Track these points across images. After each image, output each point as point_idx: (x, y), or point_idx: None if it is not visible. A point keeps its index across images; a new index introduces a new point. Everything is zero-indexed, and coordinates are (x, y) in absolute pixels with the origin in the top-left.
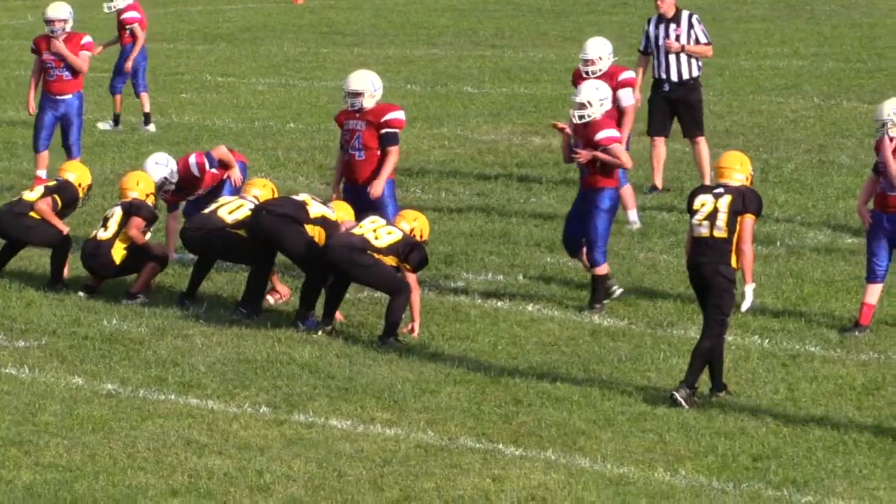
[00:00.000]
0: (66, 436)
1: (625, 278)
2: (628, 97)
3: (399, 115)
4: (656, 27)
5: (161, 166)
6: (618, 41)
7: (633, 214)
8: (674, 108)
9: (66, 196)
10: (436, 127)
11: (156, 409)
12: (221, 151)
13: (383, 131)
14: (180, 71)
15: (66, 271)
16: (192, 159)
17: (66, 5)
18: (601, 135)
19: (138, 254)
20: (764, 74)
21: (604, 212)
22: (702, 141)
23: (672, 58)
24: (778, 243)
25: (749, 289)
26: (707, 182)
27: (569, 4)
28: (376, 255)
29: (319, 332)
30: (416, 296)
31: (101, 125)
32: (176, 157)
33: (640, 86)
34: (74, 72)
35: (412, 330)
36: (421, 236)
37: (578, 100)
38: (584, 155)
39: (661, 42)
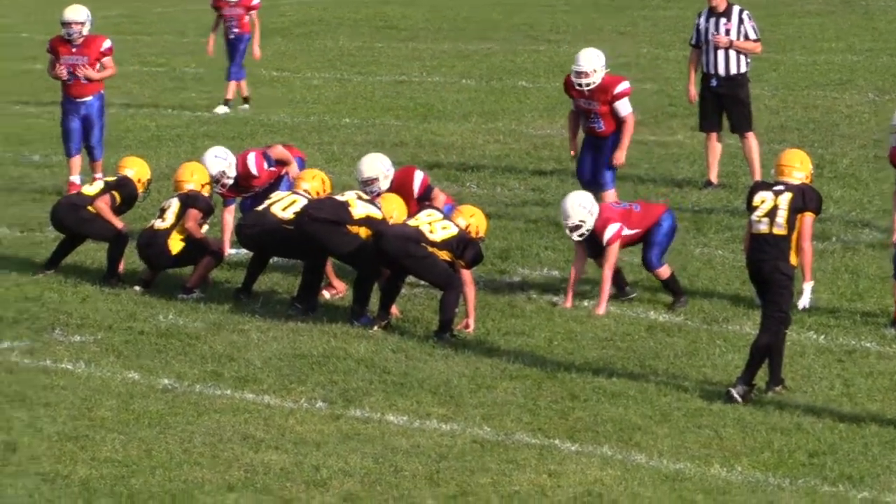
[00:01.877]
0: (122, 431)
1: (681, 273)
2: (626, 107)
3: (419, 177)
4: (706, 20)
5: (220, 160)
6: (672, 35)
7: None
8: (722, 103)
9: (125, 193)
10: (491, 122)
11: (212, 404)
12: (278, 151)
13: (418, 197)
14: None
15: (121, 266)
16: (251, 158)
17: (84, 8)
18: (607, 235)
19: (194, 247)
20: (818, 69)
21: (663, 227)
22: (751, 136)
23: (720, 53)
24: (833, 239)
25: (808, 286)
26: (758, 177)
27: None
28: (430, 249)
29: (375, 328)
30: (471, 291)
31: (240, 108)
32: (233, 152)
33: (695, 80)
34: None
35: (467, 326)
36: (477, 233)
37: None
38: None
39: (710, 36)
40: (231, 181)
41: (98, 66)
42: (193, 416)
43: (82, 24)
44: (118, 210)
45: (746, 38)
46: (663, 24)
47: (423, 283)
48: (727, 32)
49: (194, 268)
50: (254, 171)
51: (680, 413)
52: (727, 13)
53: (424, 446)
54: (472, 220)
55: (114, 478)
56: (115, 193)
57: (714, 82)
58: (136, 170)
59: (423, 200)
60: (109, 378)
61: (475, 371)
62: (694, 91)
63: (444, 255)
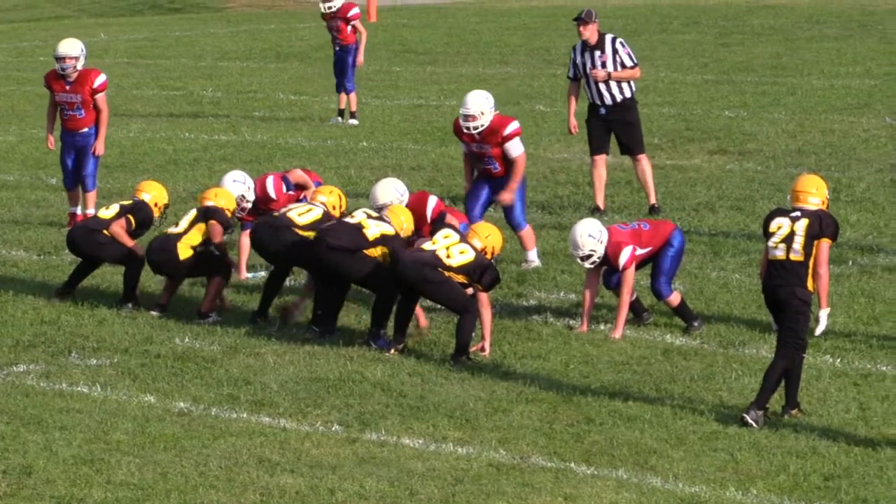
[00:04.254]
0: (137, 454)
1: (697, 297)
2: (516, 148)
3: (433, 202)
4: (582, 55)
5: (238, 184)
6: (690, 60)
7: (531, 255)
8: (611, 127)
9: (140, 216)
10: None
11: (228, 428)
12: (297, 175)
13: (431, 222)
14: (253, 89)
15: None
16: (270, 182)
17: (78, 42)
18: (622, 260)
19: (203, 257)
20: (836, 94)
21: (672, 249)
22: (643, 158)
23: (602, 84)
24: (850, 262)
25: (823, 313)
26: (653, 199)
27: (641, 23)
28: (447, 273)
29: (391, 351)
30: (487, 314)
31: (346, 121)
32: (250, 176)
33: (575, 112)
34: (88, 109)
35: (483, 349)
36: (493, 252)
37: (583, 252)
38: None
39: (588, 70)
40: (250, 205)
41: (92, 105)
42: (209, 440)
43: (76, 58)
44: (134, 233)
45: (623, 66)
46: (681, 49)
47: (439, 306)
48: (603, 65)
49: (206, 291)
50: (272, 194)
51: (696, 436)
52: (600, 45)
53: (440, 470)
54: (488, 239)
55: (129, 501)
56: (131, 217)
57: (603, 111)
58: (153, 194)
59: (436, 224)
60: (125, 401)
61: (491, 394)
62: (574, 122)
63: (461, 279)
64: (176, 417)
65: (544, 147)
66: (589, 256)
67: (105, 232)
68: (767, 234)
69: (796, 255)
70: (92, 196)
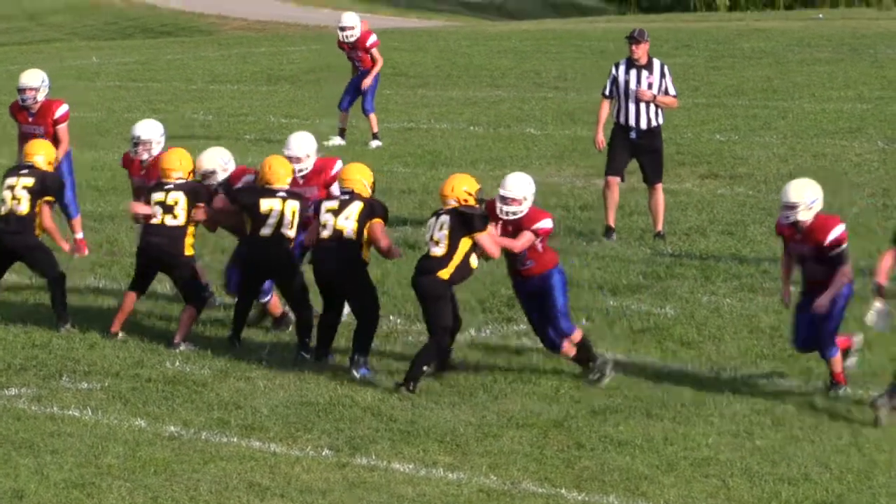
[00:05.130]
0: (128, 478)
1: (688, 321)
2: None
3: (338, 166)
4: (626, 72)
5: (218, 159)
6: (680, 84)
7: None
8: (636, 153)
9: (53, 189)
10: (498, 168)
11: (218, 452)
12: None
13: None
14: (244, 112)
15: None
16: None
17: (40, 72)
18: (540, 225)
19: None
20: (827, 117)
21: (561, 290)
22: (660, 188)
23: (642, 105)
24: None
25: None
26: (660, 227)
27: None
28: (449, 269)
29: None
30: (494, 248)
31: (332, 141)
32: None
33: (603, 127)
34: (57, 140)
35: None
36: (470, 195)
37: (510, 195)
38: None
39: (631, 87)
40: (215, 182)
41: (53, 137)
42: (199, 464)
43: (36, 89)
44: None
45: (667, 92)
46: (672, 72)
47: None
48: (650, 86)
49: (179, 320)
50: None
51: (687, 462)
52: (649, 66)
53: (430, 495)
54: (454, 192)
55: None
56: (48, 198)
57: (633, 135)
58: (44, 154)
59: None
60: (116, 425)
61: (481, 419)
62: (602, 138)
63: (466, 246)
64: (166, 441)
65: (535, 170)
66: (514, 202)
67: (37, 234)
68: None
69: None
70: (77, 222)
